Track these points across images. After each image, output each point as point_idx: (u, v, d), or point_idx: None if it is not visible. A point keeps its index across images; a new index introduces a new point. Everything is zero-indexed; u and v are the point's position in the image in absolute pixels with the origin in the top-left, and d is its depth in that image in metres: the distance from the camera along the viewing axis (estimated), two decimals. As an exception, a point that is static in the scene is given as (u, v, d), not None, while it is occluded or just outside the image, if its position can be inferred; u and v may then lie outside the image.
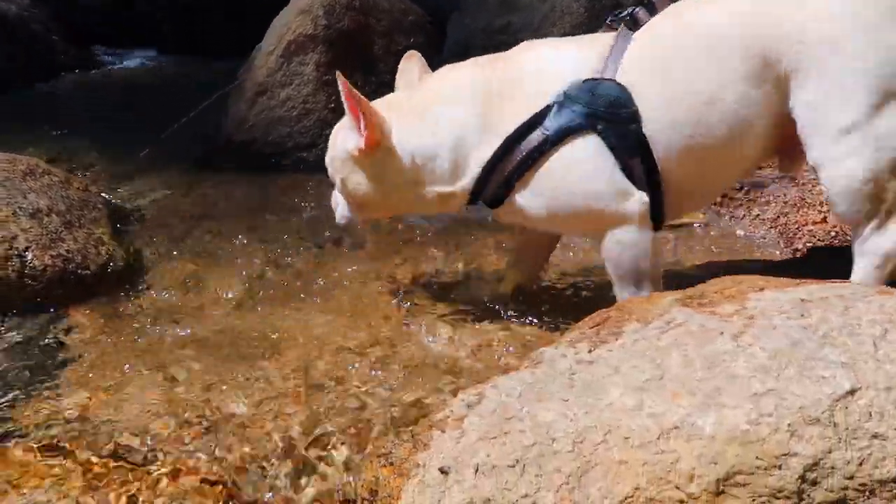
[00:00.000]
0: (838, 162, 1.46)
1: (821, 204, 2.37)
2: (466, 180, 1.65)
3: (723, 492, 0.87)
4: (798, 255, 2.20)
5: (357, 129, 1.66)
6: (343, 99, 1.64)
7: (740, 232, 2.40)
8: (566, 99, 1.55)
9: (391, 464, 1.16)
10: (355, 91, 1.62)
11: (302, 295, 2.05)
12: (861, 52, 1.44)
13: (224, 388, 1.56)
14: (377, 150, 1.67)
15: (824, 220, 2.30)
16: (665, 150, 1.54)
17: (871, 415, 0.84)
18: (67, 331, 1.89)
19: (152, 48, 6.48)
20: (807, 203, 2.39)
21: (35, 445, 1.36)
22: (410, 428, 1.24)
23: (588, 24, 4.04)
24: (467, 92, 1.66)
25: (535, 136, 1.56)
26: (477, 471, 1.04)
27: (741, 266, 2.11)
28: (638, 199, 1.55)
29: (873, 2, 1.46)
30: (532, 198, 1.60)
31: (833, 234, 2.22)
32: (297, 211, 2.70)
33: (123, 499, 1.20)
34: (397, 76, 1.87)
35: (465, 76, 1.70)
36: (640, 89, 1.54)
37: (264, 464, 1.31)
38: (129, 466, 1.30)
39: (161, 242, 2.43)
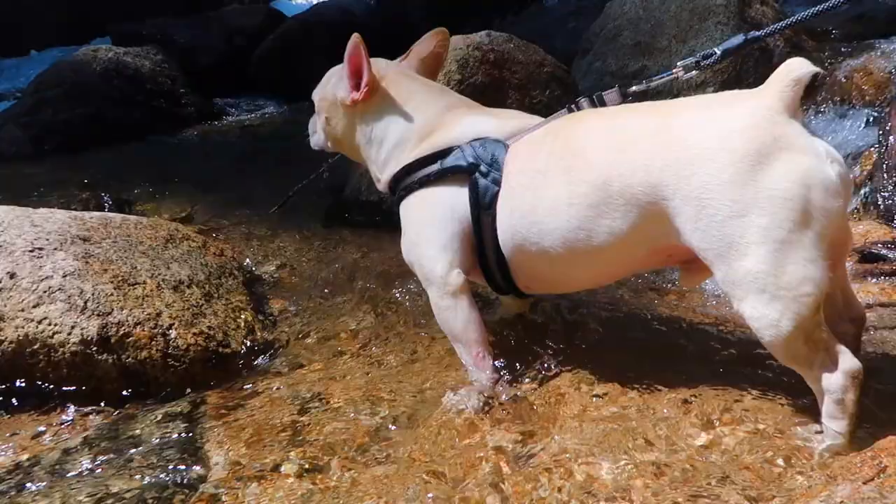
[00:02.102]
0: (759, 319, 1.47)
1: None
2: (387, 175, 1.92)
3: None
4: None
5: (350, 84, 1.89)
6: (349, 56, 1.86)
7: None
8: (467, 146, 1.78)
9: None
10: (367, 56, 1.84)
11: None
12: (739, 199, 1.45)
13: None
14: (358, 108, 1.92)
15: None
16: (505, 229, 1.74)
17: None
18: (205, 421, 1.78)
19: (274, 98, 6.65)
20: None
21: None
22: None
23: (733, 69, 3.78)
24: (433, 109, 1.89)
25: (432, 167, 1.81)
26: None
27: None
28: (457, 273, 1.78)
29: (747, 143, 1.45)
30: (403, 214, 1.88)
31: None
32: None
33: None
34: (419, 42, 2.07)
35: (442, 97, 1.96)
36: (511, 164, 1.73)
37: None
38: None
39: (298, 312, 2.33)
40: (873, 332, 2.01)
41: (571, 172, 1.63)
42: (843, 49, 4.10)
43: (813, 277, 1.44)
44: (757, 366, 1.76)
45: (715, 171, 1.46)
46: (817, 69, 1.50)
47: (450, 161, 1.80)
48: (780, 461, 1.38)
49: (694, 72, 1.85)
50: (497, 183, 1.73)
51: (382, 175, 1.95)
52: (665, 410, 1.62)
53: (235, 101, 6.63)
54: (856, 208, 2.85)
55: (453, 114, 1.90)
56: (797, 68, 1.49)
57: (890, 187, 2.74)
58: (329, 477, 1.52)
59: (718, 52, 1.81)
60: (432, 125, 1.88)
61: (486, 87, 3.14)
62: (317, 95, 2.08)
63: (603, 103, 1.83)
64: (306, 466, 1.55)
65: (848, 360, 1.47)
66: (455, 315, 1.82)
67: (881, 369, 1.80)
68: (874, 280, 2.32)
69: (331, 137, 2.07)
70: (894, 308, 2.15)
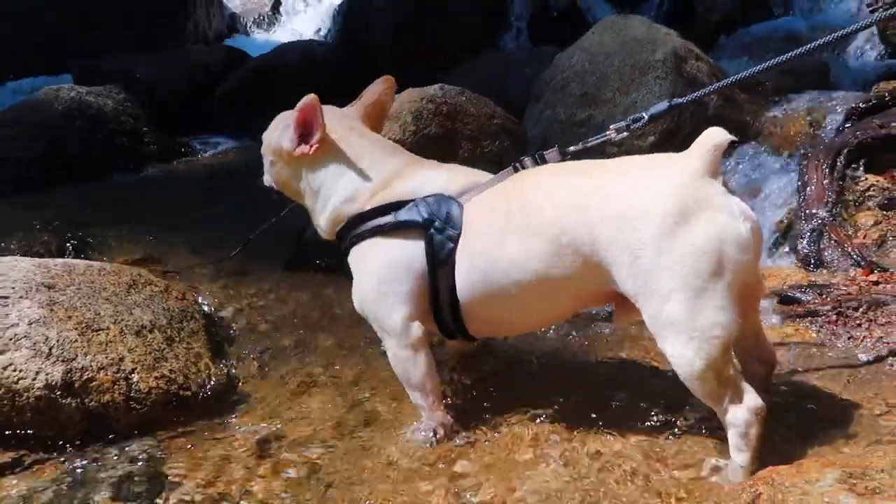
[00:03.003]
0: (677, 357, 1.67)
1: (953, 327, 2.21)
2: (331, 226, 2.04)
3: None
4: (932, 387, 2.04)
5: (296, 136, 1.99)
6: (301, 110, 1.95)
7: (862, 356, 2.24)
8: (421, 201, 1.89)
9: None
10: (321, 113, 1.94)
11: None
12: (665, 251, 1.65)
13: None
14: (304, 160, 2.02)
15: (957, 346, 2.15)
16: (464, 283, 1.86)
17: None
18: (167, 461, 1.88)
19: (236, 136, 6.74)
20: (934, 326, 2.24)
21: None
22: None
23: (671, 121, 4.04)
24: (386, 168, 1.99)
25: (386, 218, 1.92)
26: None
27: (858, 396, 1.97)
28: (416, 325, 1.91)
29: (673, 203, 1.65)
30: (354, 262, 1.99)
31: (968, 363, 2.06)
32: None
33: None
34: (367, 89, 2.19)
35: (395, 155, 2.06)
36: (469, 223, 1.86)
37: None
38: None
39: (259, 359, 2.44)
40: (785, 370, 2.22)
41: (529, 229, 1.79)
42: (773, 101, 4.40)
43: (723, 322, 1.64)
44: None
45: (646, 227, 1.67)
46: (732, 137, 1.74)
47: (404, 215, 1.90)
48: (682, 492, 1.54)
49: (625, 133, 2.06)
50: (452, 240, 1.85)
51: (326, 225, 2.05)
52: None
53: (198, 139, 6.70)
54: (775, 252, 3.10)
55: (408, 169, 2.00)
56: (716, 136, 1.73)
57: (807, 234, 2.98)
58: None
59: (646, 117, 2.05)
60: (385, 181, 1.97)
61: (440, 139, 3.31)
62: (265, 138, 2.17)
63: (545, 161, 2.00)
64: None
65: (752, 398, 1.66)
66: (414, 366, 1.93)
67: (789, 404, 2.00)
68: (791, 321, 2.54)
69: (274, 180, 2.19)
70: (805, 346, 2.36)
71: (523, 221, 1.81)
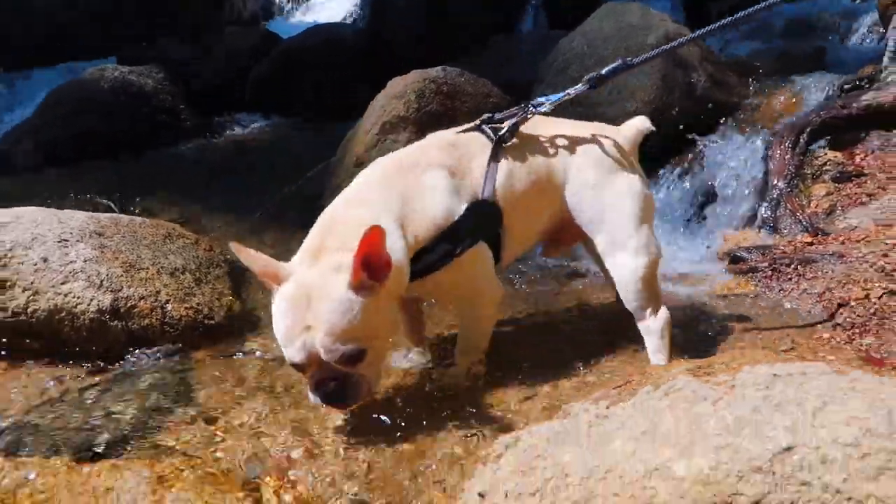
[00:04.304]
0: (622, 267, 2.13)
1: (865, 281, 2.53)
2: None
3: (689, 522, 1.14)
4: (837, 328, 2.37)
5: (358, 277, 1.71)
6: (361, 250, 1.68)
7: (788, 304, 2.59)
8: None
9: (444, 490, 1.47)
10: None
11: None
12: (608, 190, 2.14)
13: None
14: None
15: (867, 296, 2.47)
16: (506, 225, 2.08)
17: (801, 467, 1.09)
18: (193, 375, 2.31)
19: (266, 115, 7.20)
20: (852, 280, 2.56)
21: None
22: (461, 461, 1.54)
23: (660, 100, 4.35)
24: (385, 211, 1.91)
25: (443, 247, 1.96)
26: (506, 496, 1.34)
27: (774, 337, 2.32)
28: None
29: (611, 155, 2.17)
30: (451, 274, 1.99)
31: (872, 311, 2.38)
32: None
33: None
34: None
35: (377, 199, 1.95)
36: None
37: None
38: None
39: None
40: (720, 315, 2.57)
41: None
42: (764, 83, 4.67)
43: (655, 243, 2.19)
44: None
45: (597, 171, 2.16)
46: (653, 127, 2.31)
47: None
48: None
49: (583, 87, 2.32)
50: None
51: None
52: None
53: (231, 117, 7.18)
54: (740, 221, 3.42)
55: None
56: (642, 124, 2.30)
57: (766, 204, 3.30)
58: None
59: (604, 72, 2.33)
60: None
61: (441, 115, 3.70)
62: (333, 344, 1.71)
63: (500, 122, 2.21)
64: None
65: (665, 311, 2.14)
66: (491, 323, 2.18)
67: (710, 339, 2.37)
68: (736, 277, 2.88)
69: (380, 353, 1.88)
70: (742, 297, 2.71)
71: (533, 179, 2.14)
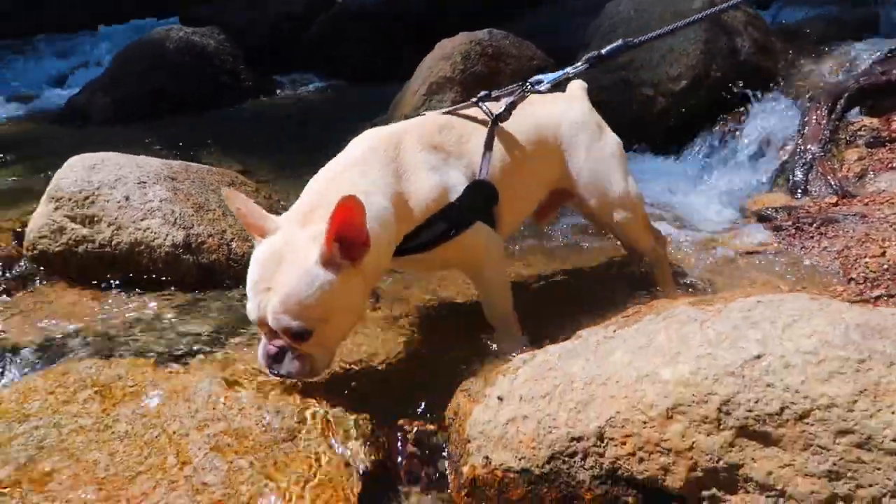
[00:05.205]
0: (621, 219, 2.35)
1: (883, 240, 2.65)
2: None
3: (671, 417, 1.35)
4: (851, 283, 2.50)
5: (329, 250, 1.66)
6: (333, 223, 1.62)
7: (807, 261, 2.72)
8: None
9: (469, 395, 1.71)
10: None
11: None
12: (595, 149, 2.31)
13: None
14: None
15: (883, 254, 2.59)
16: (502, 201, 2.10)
17: (767, 371, 1.28)
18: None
19: (320, 75, 7.47)
20: (871, 238, 2.68)
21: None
22: (485, 375, 1.78)
23: (705, 65, 4.42)
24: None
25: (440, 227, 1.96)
26: (521, 399, 1.56)
27: (788, 289, 2.46)
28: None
29: (591, 117, 2.37)
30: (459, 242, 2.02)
31: (885, 266, 2.51)
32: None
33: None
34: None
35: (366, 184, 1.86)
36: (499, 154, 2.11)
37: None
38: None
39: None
40: (742, 268, 2.73)
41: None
42: (813, 49, 4.68)
43: (640, 192, 2.42)
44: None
45: (588, 136, 2.34)
46: (587, 86, 2.49)
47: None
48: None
49: (582, 66, 2.37)
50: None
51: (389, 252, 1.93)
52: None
53: (287, 77, 7.49)
54: (773, 183, 3.53)
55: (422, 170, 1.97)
56: (581, 86, 2.49)
57: (799, 167, 3.40)
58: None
59: (604, 52, 2.42)
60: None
61: (485, 77, 3.88)
62: (300, 315, 1.68)
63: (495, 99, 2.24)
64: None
65: (661, 234, 2.61)
66: (507, 288, 2.15)
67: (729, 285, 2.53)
68: (760, 235, 3.02)
69: (343, 330, 1.86)
70: (766, 253, 2.85)
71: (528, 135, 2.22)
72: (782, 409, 1.25)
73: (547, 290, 2.70)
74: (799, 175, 3.37)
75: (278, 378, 1.82)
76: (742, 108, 3.99)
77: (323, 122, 5.47)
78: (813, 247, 2.78)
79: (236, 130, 5.42)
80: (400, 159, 1.92)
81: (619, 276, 2.67)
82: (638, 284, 2.48)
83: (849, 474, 1.21)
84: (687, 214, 3.43)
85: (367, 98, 5.77)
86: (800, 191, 3.31)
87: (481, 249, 2.07)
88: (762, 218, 3.09)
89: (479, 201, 2.02)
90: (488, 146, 2.05)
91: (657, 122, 4.41)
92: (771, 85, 4.22)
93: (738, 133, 3.91)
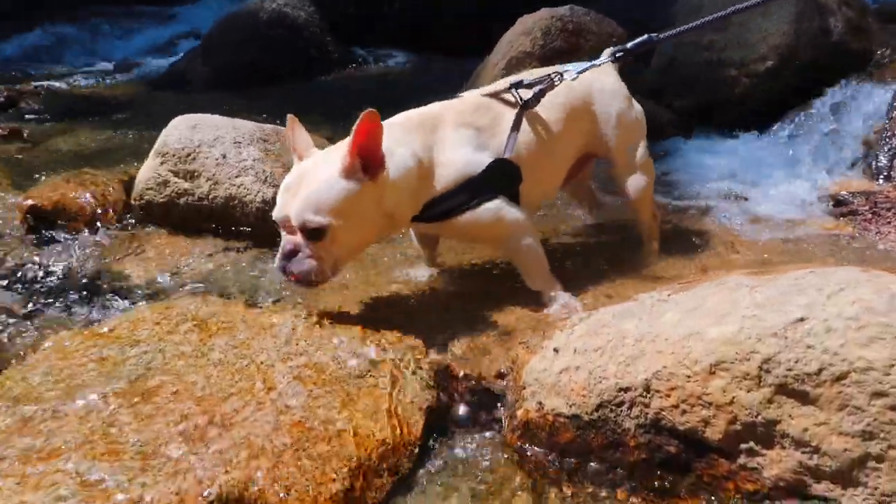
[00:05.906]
0: (637, 184, 2.55)
1: (961, 228, 2.59)
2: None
3: (714, 372, 1.44)
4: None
5: (352, 161, 1.91)
6: (358, 136, 1.89)
7: (881, 246, 2.70)
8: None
9: (527, 347, 1.84)
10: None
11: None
12: (626, 116, 2.48)
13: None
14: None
15: (960, 241, 2.53)
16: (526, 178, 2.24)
17: (809, 334, 1.35)
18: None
19: (403, 48, 7.63)
20: (949, 226, 2.62)
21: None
22: (544, 330, 1.90)
23: (792, 46, 4.32)
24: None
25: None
26: (575, 351, 1.68)
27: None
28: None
29: (623, 87, 2.52)
30: (472, 217, 2.17)
31: (959, 252, 2.46)
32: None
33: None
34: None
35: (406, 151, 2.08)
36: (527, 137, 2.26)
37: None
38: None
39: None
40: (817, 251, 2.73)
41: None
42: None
43: (651, 161, 2.61)
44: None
45: (618, 103, 2.50)
46: (613, 51, 2.56)
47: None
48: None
49: (606, 59, 2.51)
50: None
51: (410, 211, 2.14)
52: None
53: (372, 50, 7.69)
54: (855, 167, 3.45)
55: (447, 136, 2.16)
56: (610, 52, 2.56)
57: (884, 152, 3.32)
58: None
59: (629, 46, 2.54)
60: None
61: (565, 52, 3.93)
62: (316, 214, 1.94)
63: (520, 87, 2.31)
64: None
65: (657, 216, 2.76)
66: (539, 250, 2.27)
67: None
68: (837, 219, 2.99)
69: (355, 242, 2.08)
70: (839, 237, 2.83)
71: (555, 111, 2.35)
72: (820, 370, 1.33)
73: (608, 260, 2.79)
74: (883, 160, 3.29)
75: (294, 284, 2.03)
76: (828, 91, 3.90)
77: (405, 93, 5.64)
78: (889, 232, 2.75)
79: (324, 100, 5.64)
80: (434, 135, 2.13)
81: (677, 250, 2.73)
82: (698, 258, 2.54)
83: (882, 435, 1.27)
84: (764, 194, 3.41)
85: (450, 72, 5.89)
86: (882, 176, 3.24)
87: (502, 224, 2.20)
88: (839, 202, 3.05)
89: (500, 178, 2.17)
90: (515, 127, 2.21)
91: (740, 102, 4.36)
92: (863, 68, 4.09)
93: (822, 116, 3.83)
